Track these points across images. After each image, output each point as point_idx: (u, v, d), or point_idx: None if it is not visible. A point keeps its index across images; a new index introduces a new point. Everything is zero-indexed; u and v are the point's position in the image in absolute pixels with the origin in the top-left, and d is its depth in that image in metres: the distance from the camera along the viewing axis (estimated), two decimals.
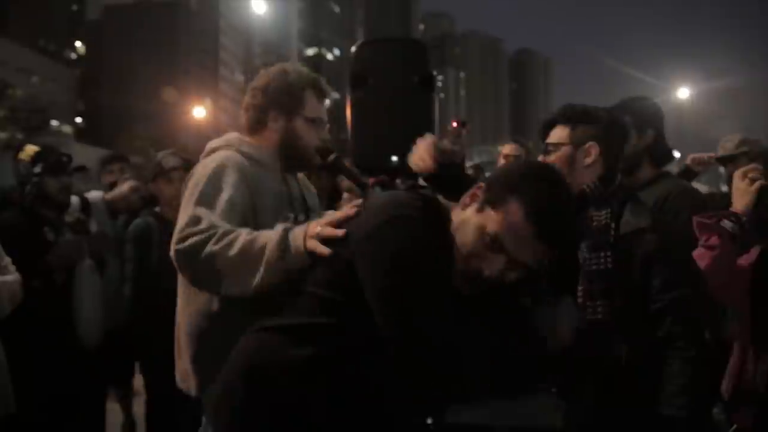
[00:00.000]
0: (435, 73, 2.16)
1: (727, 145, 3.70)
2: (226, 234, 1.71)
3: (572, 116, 2.04)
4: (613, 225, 1.93)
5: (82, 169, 3.55)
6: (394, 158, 2.09)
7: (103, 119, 67.60)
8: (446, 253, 1.40)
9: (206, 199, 1.82)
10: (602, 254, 1.92)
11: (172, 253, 1.82)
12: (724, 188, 5.53)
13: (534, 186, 1.38)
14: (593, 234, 1.95)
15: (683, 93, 31.25)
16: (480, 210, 1.41)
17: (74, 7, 72.77)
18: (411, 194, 1.48)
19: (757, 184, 2.04)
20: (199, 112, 40.96)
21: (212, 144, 2.06)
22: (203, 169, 1.92)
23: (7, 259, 2.68)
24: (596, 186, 1.99)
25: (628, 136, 2.20)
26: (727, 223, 1.99)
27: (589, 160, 2.00)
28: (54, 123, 49.07)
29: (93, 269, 3.14)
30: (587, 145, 2.00)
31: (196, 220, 1.79)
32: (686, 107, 31.35)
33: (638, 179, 2.66)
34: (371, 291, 1.36)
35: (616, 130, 2.08)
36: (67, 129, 57.90)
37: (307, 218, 2.06)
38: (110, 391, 3.91)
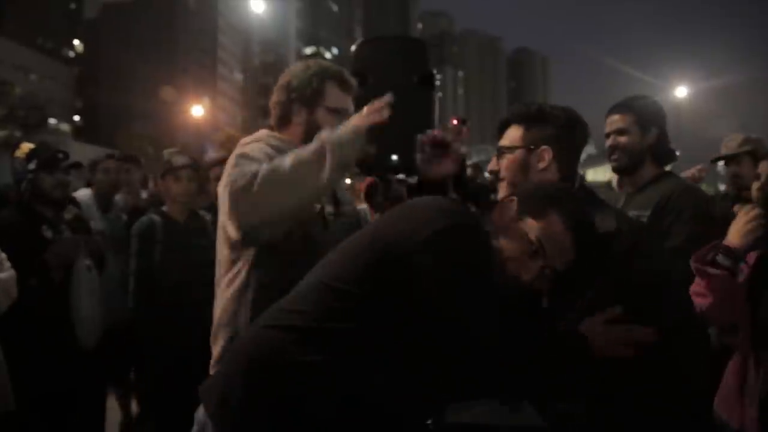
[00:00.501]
0: (435, 71, 2.16)
1: (731, 144, 3.68)
2: (271, 162, 1.80)
3: (527, 116, 1.94)
4: None
5: (77, 165, 3.55)
6: (394, 157, 2.08)
7: (101, 117, 67.53)
8: (496, 260, 1.53)
9: (246, 160, 1.88)
10: None
11: (224, 196, 1.84)
12: (722, 187, 5.54)
13: (570, 202, 1.60)
14: None
15: (681, 92, 31.24)
16: (518, 219, 1.55)
17: (72, 5, 72.59)
18: (455, 201, 1.60)
19: (758, 232, 2.05)
20: (197, 110, 40.90)
21: (243, 140, 2.11)
22: (234, 156, 1.97)
23: (2, 256, 2.66)
24: None
25: (587, 136, 2.08)
26: (722, 259, 2.01)
27: (542, 165, 1.90)
28: (52, 121, 48.97)
29: (91, 268, 3.13)
30: (540, 149, 1.89)
31: (241, 164, 1.85)
32: (684, 106, 31.36)
33: (641, 178, 2.66)
34: (435, 295, 1.42)
35: (575, 130, 1.97)
36: (65, 127, 57.84)
37: (337, 211, 2.11)
38: (109, 390, 3.91)
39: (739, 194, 3.34)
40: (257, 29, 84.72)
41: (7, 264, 2.66)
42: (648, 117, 2.66)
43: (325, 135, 1.79)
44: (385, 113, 1.79)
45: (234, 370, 1.51)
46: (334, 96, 2.08)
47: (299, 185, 1.77)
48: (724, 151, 3.69)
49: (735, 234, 2.07)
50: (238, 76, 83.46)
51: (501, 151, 1.95)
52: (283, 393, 1.42)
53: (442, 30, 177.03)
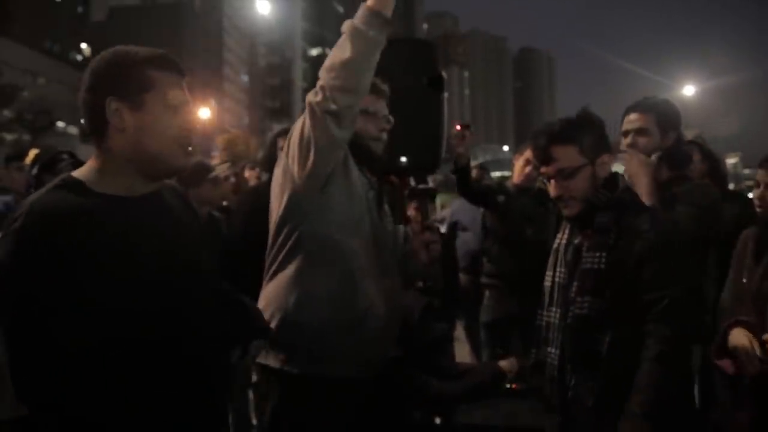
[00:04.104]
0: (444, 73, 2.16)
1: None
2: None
3: (568, 133, 2.00)
4: (614, 228, 1.95)
5: (80, 164, 3.57)
6: (403, 159, 2.09)
7: None
8: None
9: None
10: (598, 254, 1.95)
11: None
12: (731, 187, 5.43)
13: None
14: (594, 234, 1.98)
15: (689, 90, 31.05)
16: None
17: (79, 9, 72.87)
18: None
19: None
20: (203, 112, 40.85)
21: None
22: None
23: None
24: (603, 194, 2.00)
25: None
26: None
27: (604, 172, 2.01)
28: (60, 124, 49.19)
29: None
30: (602, 157, 2.00)
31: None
32: (692, 105, 31.12)
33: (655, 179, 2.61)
34: None
35: (602, 127, 2.08)
36: (72, 130, 58.02)
37: (379, 214, 2.13)
38: None
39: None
40: (263, 31, 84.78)
41: None
42: (668, 119, 2.60)
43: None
44: None
45: None
46: (366, 101, 2.09)
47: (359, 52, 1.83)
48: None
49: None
50: (244, 78, 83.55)
51: (566, 174, 1.99)
52: None
53: (446, 30, 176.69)
